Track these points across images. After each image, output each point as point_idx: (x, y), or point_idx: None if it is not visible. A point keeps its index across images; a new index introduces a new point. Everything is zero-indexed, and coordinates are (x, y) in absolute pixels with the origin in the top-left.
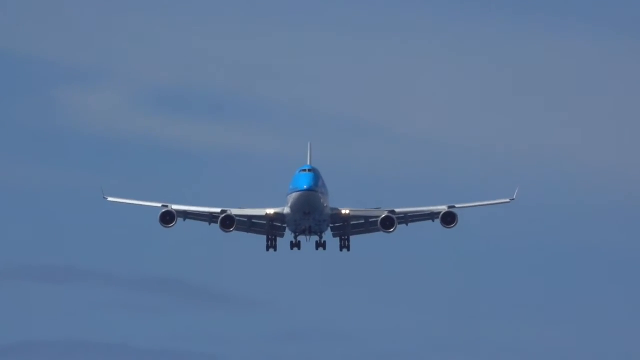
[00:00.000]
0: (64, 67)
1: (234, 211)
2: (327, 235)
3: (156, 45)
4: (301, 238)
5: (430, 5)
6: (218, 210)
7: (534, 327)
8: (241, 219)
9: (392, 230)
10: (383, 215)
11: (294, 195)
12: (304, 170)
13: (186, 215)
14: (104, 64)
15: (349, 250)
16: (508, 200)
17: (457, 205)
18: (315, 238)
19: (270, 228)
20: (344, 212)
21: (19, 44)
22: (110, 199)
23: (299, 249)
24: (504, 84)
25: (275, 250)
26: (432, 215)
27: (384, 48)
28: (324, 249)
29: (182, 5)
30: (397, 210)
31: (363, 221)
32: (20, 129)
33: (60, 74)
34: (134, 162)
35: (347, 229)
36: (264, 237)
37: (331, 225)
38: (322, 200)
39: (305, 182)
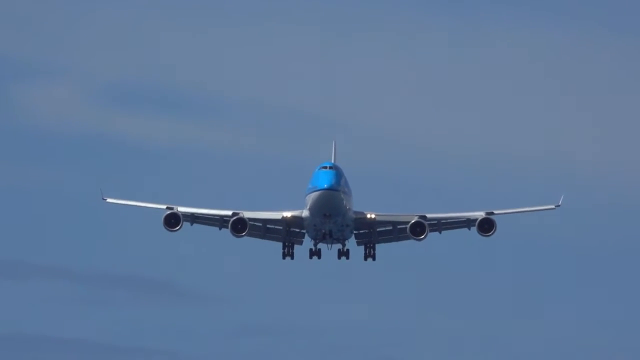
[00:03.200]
0: (18, 62)
1: (247, 214)
2: (351, 243)
3: (114, 40)
4: (322, 246)
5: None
6: (229, 212)
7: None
8: (255, 222)
9: (422, 237)
10: (413, 221)
11: (313, 195)
12: (325, 167)
13: (194, 218)
14: (59, 59)
15: (374, 259)
16: (553, 206)
17: (495, 212)
18: (338, 246)
19: (287, 233)
20: (369, 216)
21: None
22: (109, 200)
23: (319, 257)
24: (504, 82)
25: (292, 258)
26: (467, 222)
27: (355, 44)
28: (347, 257)
29: None
30: (428, 215)
31: (390, 227)
32: None
33: (14, 69)
34: (91, 159)
35: (372, 235)
36: (280, 244)
37: (355, 231)
38: (344, 202)
39: (325, 181)
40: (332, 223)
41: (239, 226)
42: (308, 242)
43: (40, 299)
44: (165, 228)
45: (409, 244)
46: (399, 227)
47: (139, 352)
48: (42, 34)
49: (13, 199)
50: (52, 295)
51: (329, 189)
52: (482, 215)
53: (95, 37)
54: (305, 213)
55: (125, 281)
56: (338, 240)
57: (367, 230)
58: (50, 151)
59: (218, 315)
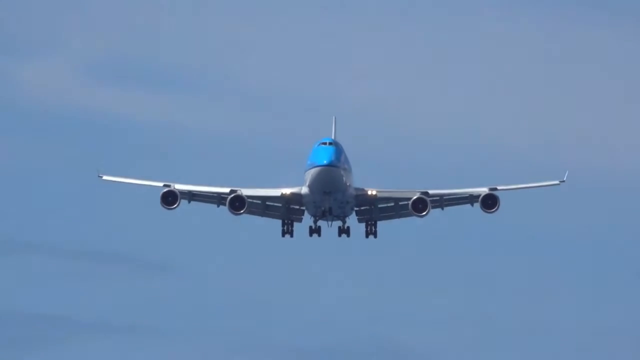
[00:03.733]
0: (6, 39)
1: (245, 191)
2: (352, 220)
3: (97, 16)
4: (322, 223)
5: None
6: (227, 190)
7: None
8: (253, 200)
9: (424, 214)
10: (415, 197)
11: (312, 171)
12: (324, 144)
13: (191, 196)
14: (47, 37)
15: (375, 236)
16: (558, 182)
17: (499, 187)
18: (338, 223)
19: (287, 211)
20: (370, 192)
21: None
22: (105, 177)
23: (319, 235)
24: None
25: (292, 236)
26: (470, 199)
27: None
28: (348, 235)
29: None
30: (430, 191)
31: (392, 204)
32: None
33: (3, 46)
34: (73, 135)
35: (373, 212)
36: (279, 222)
37: (356, 208)
38: (344, 178)
39: (325, 157)
40: (332, 200)
41: (237, 204)
42: (308, 220)
43: (36, 275)
44: (163, 206)
45: (410, 221)
46: (400, 203)
47: (132, 329)
48: (30, 12)
49: (2, 176)
50: (50, 271)
51: (328, 165)
52: (485, 191)
53: (86, 17)
54: (304, 190)
55: (121, 259)
56: (338, 218)
57: (368, 207)
58: (40, 128)
59: (215, 293)
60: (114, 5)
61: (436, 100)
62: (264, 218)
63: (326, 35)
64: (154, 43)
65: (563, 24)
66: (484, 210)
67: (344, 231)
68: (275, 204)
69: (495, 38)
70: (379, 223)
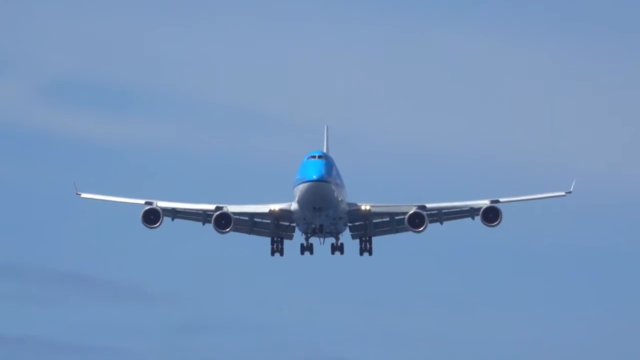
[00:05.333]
0: None
1: (232, 208)
2: (345, 237)
3: (60, 33)
4: (314, 240)
5: None
6: (212, 207)
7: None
8: (240, 217)
9: (421, 229)
10: (411, 212)
11: (301, 187)
12: (314, 157)
13: (175, 213)
14: (2, 55)
15: (370, 254)
16: (564, 193)
17: (501, 200)
18: (331, 240)
19: (276, 228)
20: (363, 207)
21: None
22: (84, 195)
23: (311, 253)
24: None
25: (282, 254)
26: (471, 212)
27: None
28: (341, 252)
29: None
30: (428, 205)
31: (387, 219)
32: None
33: None
34: (34, 155)
35: (368, 228)
36: (269, 240)
37: (349, 224)
38: (335, 193)
39: (314, 171)
40: (324, 216)
41: (223, 222)
42: (299, 237)
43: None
44: (144, 225)
45: (407, 237)
46: (396, 218)
47: (115, 351)
48: None
49: None
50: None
51: (318, 180)
52: (486, 204)
53: (40, 33)
54: (294, 206)
55: (102, 281)
56: (331, 234)
57: (362, 223)
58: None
59: (200, 316)
60: (70, 25)
61: (430, 110)
62: (252, 236)
63: (309, 47)
64: (110, 62)
65: (566, 35)
66: (485, 224)
67: (337, 248)
68: (264, 221)
69: (497, 45)
70: (374, 239)
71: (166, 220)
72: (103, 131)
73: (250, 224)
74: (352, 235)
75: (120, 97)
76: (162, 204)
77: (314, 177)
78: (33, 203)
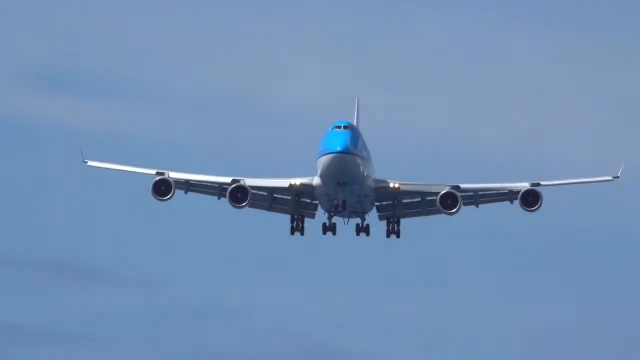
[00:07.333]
0: None
1: (249, 181)
2: (372, 217)
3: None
4: (338, 220)
5: None
6: (229, 180)
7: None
8: (258, 192)
9: (454, 211)
10: (444, 192)
11: (324, 159)
12: (339, 127)
13: (188, 186)
14: None
15: (398, 236)
16: (611, 178)
17: (542, 183)
18: (357, 220)
19: (297, 205)
20: (392, 185)
21: None
22: (91, 163)
23: (334, 233)
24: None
25: (302, 234)
26: (509, 195)
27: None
28: (367, 234)
29: None
30: (462, 186)
31: (419, 199)
32: None
33: None
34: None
35: (397, 208)
36: (288, 218)
37: (377, 203)
38: (361, 168)
39: (338, 143)
40: (348, 192)
41: (239, 195)
42: (322, 216)
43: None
44: (155, 197)
45: (439, 220)
46: (428, 199)
47: (125, 337)
48: None
49: None
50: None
51: (343, 152)
52: (526, 187)
53: (20, 21)
54: (316, 181)
55: (105, 261)
56: (356, 214)
57: (390, 202)
58: None
59: (214, 297)
60: (43, 11)
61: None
62: (271, 213)
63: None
64: (85, 49)
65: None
66: (524, 209)
67: (362, 229)
68: (284, 197)
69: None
70: (402, 221)
71: (179, 194)
72: (84, 118)
73: (270, 199)
74: (379, 216)
75: (102, 84)
76: (174, 175)
77: (338, 148)
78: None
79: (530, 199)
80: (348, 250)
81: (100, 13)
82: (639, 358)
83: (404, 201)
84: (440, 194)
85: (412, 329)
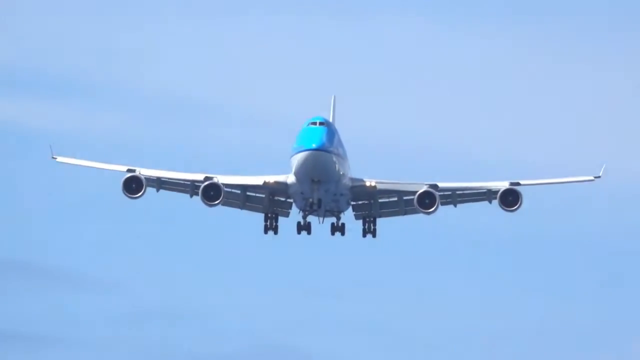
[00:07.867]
0: None
1: (222, 179)
2: (347, 217)
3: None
4: (312, 219)
5: None
6: (201, 177)
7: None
8: (232, 189)
9: (432, 210)
10: (421, 191)
11: (299, 156)
12: (314, 124)
13: (160, 183)
14: None
15: (374, 236)
16: (592, 177)
17: (522, 182)
18: (332, 219)
19: (271, 203)
20: (368, 183)
21: None
22: (60, 159)
23: (309, 232)
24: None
25: (276, 232)
26: (488, 194)
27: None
28: (342, 233)
29: None
30: (440, 184)
31: (395, 198)
32: None
33: None
34: None
35: (373, 207)
36: (262, 216)
37: (352, 202)
38: (336, 166)
39: (313, 139)
40: (323, 190)
41: (212, 193)
42: (296, 215)
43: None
44: (125, 194)
45: (415, 219)
46: (405, 198)
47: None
48: None
49: None
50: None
51: (318, 149)
52: (505, 186)
53: None
54: (290, 178)
55: (75, 260)
56: (331, 213)
57: (366, 202)
58: None
59: (185, 299)
60: (23, 13)
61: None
62: (244, 211)
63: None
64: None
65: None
66: (503, 208)
67: (337, 229)
68: (258, 195)
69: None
70: (378, 220)
71: (150, 192)
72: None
73: (243, 197)
74: (355, 215)
75: (72, 86)
76: (145, 171)
77: (313, 145)
78: None
79: (510, 199)
80: (322, 250)
81: (72, 12)
82: (618, 356)
83: (381, 200)
84: (418, 192)
85: (386, 329)
